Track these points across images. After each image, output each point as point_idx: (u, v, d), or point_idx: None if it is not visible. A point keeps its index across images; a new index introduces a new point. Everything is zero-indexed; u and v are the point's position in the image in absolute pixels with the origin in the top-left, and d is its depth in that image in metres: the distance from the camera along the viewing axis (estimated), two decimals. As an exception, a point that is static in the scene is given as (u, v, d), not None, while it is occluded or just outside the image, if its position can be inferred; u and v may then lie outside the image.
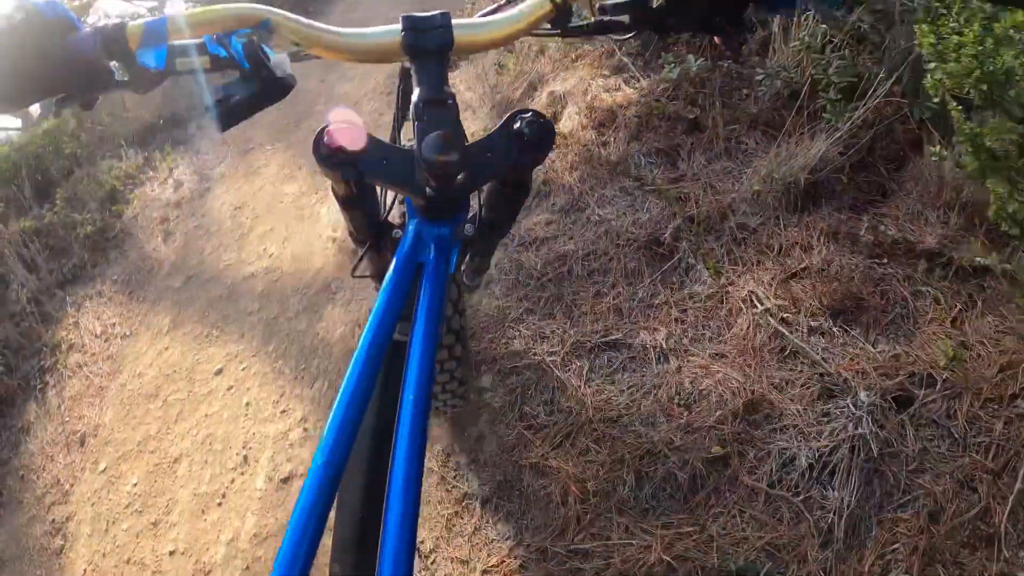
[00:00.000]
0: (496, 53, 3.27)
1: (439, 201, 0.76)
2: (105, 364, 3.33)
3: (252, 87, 0.73)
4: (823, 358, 1.68)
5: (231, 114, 0.73)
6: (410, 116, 0.74)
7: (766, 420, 1.64)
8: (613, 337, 1.95)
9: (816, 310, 1.77)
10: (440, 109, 0.72)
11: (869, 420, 1.51)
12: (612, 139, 2.44)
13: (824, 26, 2.24)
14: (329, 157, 0.72)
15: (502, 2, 0.89)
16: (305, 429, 2.37)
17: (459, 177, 0.71)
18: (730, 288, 1.92)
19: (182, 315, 3.29)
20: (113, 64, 0.71)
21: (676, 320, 1.92)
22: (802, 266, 1.88)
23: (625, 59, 2.66)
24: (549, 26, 0.83)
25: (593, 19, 0.83)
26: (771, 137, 2.23)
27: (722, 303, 1.90)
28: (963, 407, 1.50)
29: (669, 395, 1.77)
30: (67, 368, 3.44)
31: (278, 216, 3.51)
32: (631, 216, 2.19)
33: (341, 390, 0.68)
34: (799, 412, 1.61)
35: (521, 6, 0.80)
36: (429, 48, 0.75)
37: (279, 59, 0.75)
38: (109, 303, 3.72)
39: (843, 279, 1.80)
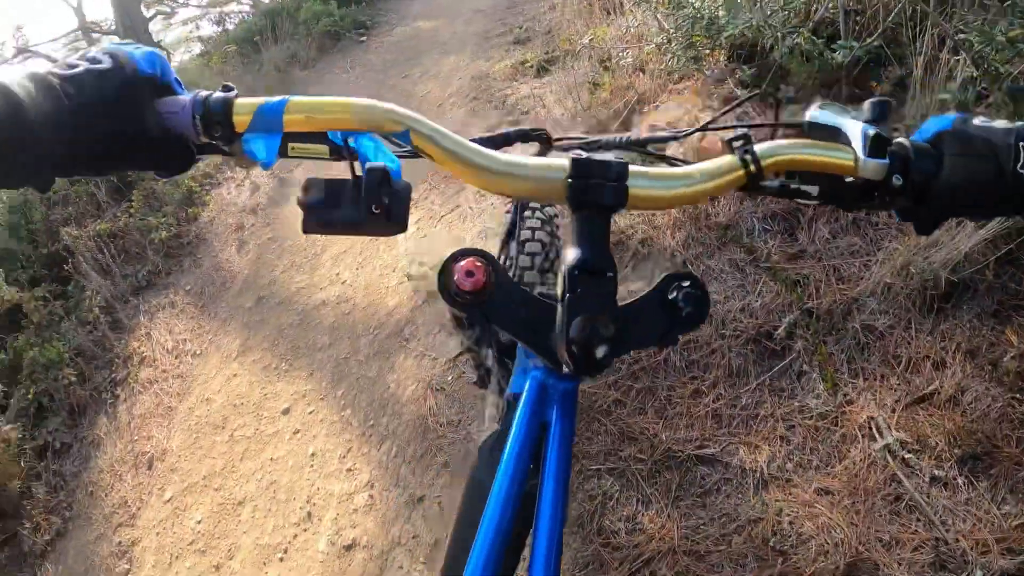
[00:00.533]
0: (589, 66, 3.17)
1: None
2: (175, 383, 3.48)
3: (359, 211, 0.65)
4: (942, 520, 1.56)
5: (321, 225, 0.67)
6: (560, 276, 0.66)
7: (875, 586, 1.55)
8: (709, 451, 1.87)
9: (942, 452, 1.65)
10: (597, 282, 0.65)
11: None
12: (722, 195, 2.31)
13: (975, 70, 2.04)
14: (455, 295, 0.67)
15: (681, 131, 0.87)
16: (371, 496, 2.40)
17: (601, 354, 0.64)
18: (847, 408, 1.80)
19: (251, 339, 3.39)
20: (209, 141, 0.65)
21: (781, 439, 1.82)
22: (931, 388, 1.74)
23: (738, 92, 2.50)
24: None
25: (779, 183, 0.74)
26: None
27: (836, 425, 1.79)
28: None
29: (764, 535, 1.68)
30: (138, 383, 3.61)
31: (352, 236, 3.51)
32: (740, 300, 2.08)
33: (476, 548, 0.69)
34: (908, 582, 1.51)
35: (709, 166, 0.70)
36: (597, 204, 0.66)
37: (402, 188, 0.66)
38: (181, 315, 3.88)
39: (977, 415, 1.66)
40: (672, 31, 2.73)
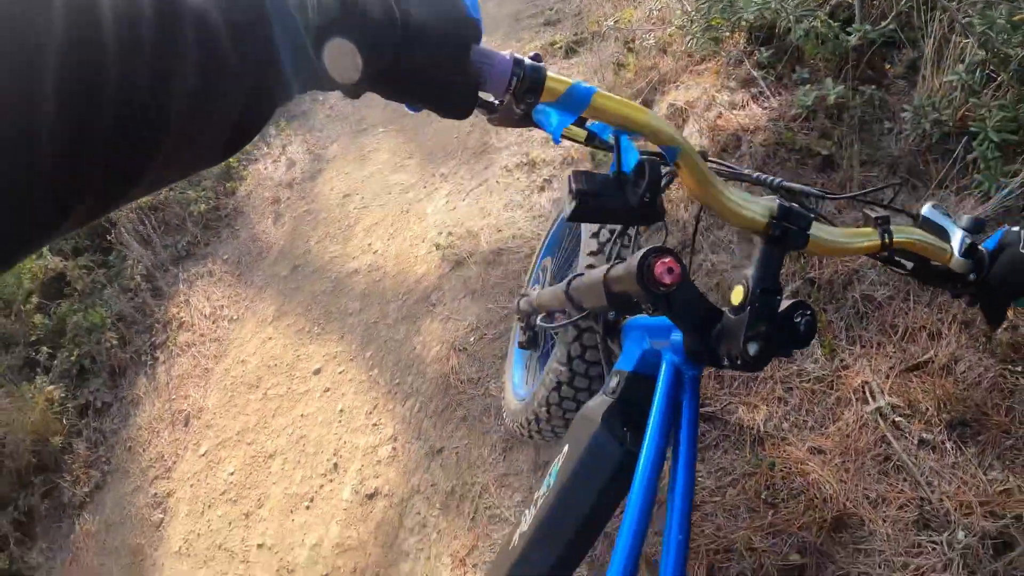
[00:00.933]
0: (615, 48, 3.24)
1: (715, 354, 0.84)
2: (212, 346, 3.62)
3: (632, 200, 0.74)
4: (928, 481, 1.63)
5: (586, 214, 0.74)
6: (742, 288, 0.80)
7: (853, 538, 1.62)
8: (709, 409, 1.96)
9: (932, 418, 1.71)
10: (770, 300, 0.79)
11: (960, 565, 1.47)
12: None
13: (984, 53, 2.09)
14: (652, 285, 0.78)
15: (829, 192, 1.01)
16: (394, 448, 2.52)
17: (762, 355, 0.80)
18: (843, 373, 1.87)
19: (286, 305, 3.51)
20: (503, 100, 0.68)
21: (779, 400, 1.90)
22: (926, 357, 1.81)
23: (755, 73, 2.57)
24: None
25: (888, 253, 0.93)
26: (912, 188, 2.13)
27: (832, 388, 1.86)
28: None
29: (757, 488, 1.77)
30: (176, 346, 3.76)
31: (385, 208, 3.64)
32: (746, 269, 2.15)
33: (628, 518, 0.82)
34: (889, 537, 1.58)
35: (858, 232, 0.87)
36: (785, 241, 0.81)
37: (662, 183, 0.78)
38: (219, 283, 4.01)
39: (969, 383, 1.72)
40: (693, 13, 2.79)
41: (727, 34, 2.74)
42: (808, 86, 2.36)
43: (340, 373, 2.94)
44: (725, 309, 0.83)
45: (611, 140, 0.77)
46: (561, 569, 0.90)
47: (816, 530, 1.65)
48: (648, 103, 2.82)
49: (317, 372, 3.03)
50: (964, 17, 2.08)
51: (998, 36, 2.03)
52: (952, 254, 0.91)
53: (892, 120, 2.27)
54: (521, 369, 2.14)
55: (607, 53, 3.24)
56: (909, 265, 0.96)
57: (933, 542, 1.55)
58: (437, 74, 0.61)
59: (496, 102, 0.70)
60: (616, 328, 1.18)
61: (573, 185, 0.72)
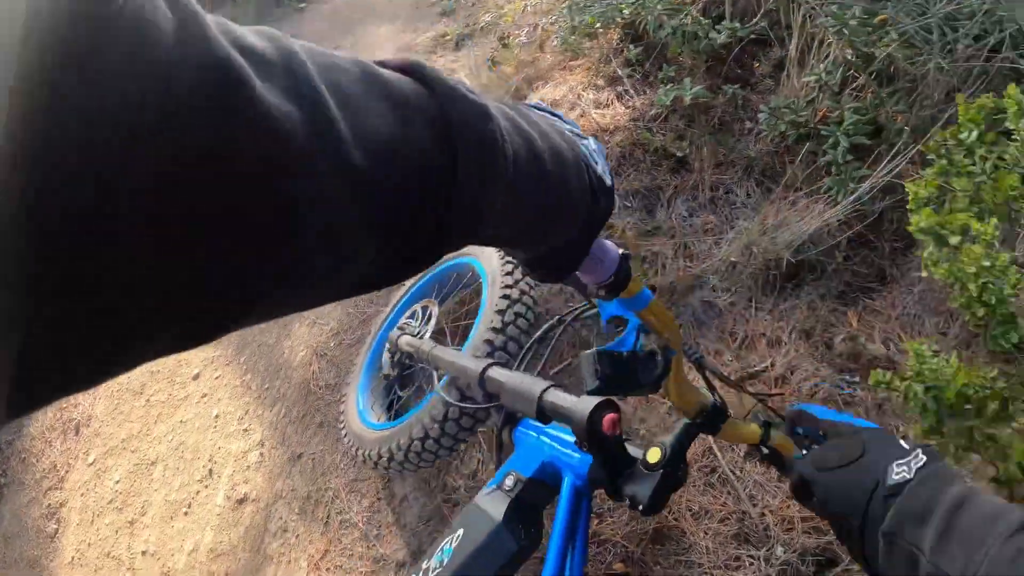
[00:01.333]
0: (492, 47, 3.16)
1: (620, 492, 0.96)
2: (103, 352, 3.52)
3: (652, 382, 0.85)
4: (751, 494, 1.59)
5: (604, 390, 0.82)
6: (660, 450, 0.92)
7: (675, 549, 1.58)
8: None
9: (761, 429, 1.67)
10: (676, 465, 0.92)
11: None
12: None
13: (851, 53, 2.03)
14: (594, 430, 0.88)
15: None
16: (261, 454, 2.48)
17: None
18: (677, 381, 1.82)
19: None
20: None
21: (616, 409, 1.85)
22: (762, 366, 1.76)
23: (620, 71, 2.50)
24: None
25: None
26: (767, 190, 2.08)
27: (664, 399, 1.81)
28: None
29: (587, 500, 1.72)
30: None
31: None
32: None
33: None
34: (709, 550, 1.54)
35: (751, 425, 1.04)
36: (705, 427, 0.97)
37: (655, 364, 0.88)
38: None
39: (803, 392, 1.68)
40: (564, 10, 2.71)
41: (601, 30, 2.66)
42: (669, 85, 2.29)
43: (217, 378, 2.87)
44: (638, 459, 0.94)
45: (621, 319, 0.89)
46: None
47: (638, 541, 1.62)
48: (520, 99, 2.74)
49: (196, 377, 2.96)
50: (822, 16, 2.02)
51: (850, 35, 1.97)
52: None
53: (753, 120, 2.22)
54: (367, 392, 2.10)
55: (488, 48, 3.16)
56: (766, 451, 1.12)
57: (752, 556, 1.52)
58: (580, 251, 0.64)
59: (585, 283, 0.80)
60: (515, 423, 1.25)
61: (597, 368, 0.81)
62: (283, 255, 0.31)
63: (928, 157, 1.12)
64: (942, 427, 0.85)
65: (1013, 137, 0.96)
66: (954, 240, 0.87)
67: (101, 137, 0.23)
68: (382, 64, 0.38)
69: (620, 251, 0.77)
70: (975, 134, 1.00)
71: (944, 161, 1.06)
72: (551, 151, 0.47)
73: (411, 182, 0.36)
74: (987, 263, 0.76)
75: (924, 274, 0.91)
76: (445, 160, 0.37)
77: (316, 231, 0.32)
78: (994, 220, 0.82)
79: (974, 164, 1.00)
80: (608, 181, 0.57)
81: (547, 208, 0.50)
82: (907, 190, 1.00)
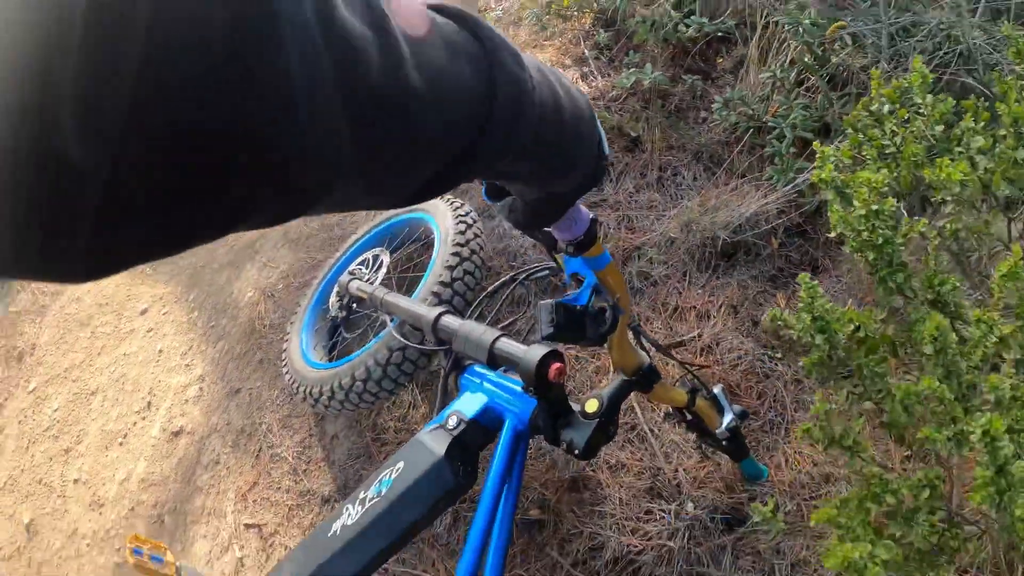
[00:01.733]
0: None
1: (557, 437, 1.07)
2: (52, 283, 3.46)
3: (598, 336, 0.95)
4: (666, 452, 1.64)
5: (556, 337, 0.90)
6: (597, 401, 1.08)
7: (590, 499, 1.63)
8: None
9: (682, 391, 1.72)
10: (612, 416, 1.09)
11: (686, 536, 1.48)
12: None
13: (807, 59, 2.10)
14: (541, 377, 0.99)
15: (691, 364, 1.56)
16: (201, 388, 2.48)
17: None
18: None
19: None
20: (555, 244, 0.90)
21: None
22: (690, 336, 1.82)
23: (587, 53, 2.54)
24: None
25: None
26: (713, 175, 2.14)
27: (594, 358, 1.86)
28: (796, 547, 1.43)
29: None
30: (17, 283, 3.58)
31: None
32: (528, 238, 2.13)
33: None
34: (622, 501, 1.58)
35: (681, 390, 1.31)
36: (639, 384, 1.16)
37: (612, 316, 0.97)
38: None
39: (726, 364, 1.73)
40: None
41: (575, 13, 2.70)
42: (632, 69, 2.34)
43: (164, 314, 2.85)
44: (577, 409, 1.06)
45: (579, 277, 0.97)
46: (384, 556, 1.04)
47: (557, 488, 1.66)
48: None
49: (143, 312, 2.94)
50: (780, 16, 2.08)
51: (804, 35, 2.04)
52: (721, 426, 1.34)
53: (709, 111, 2.28)
54: (311, 333, 2.11)
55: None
56: (690, 418, 1.36)
57: (663, 510, 1.56)
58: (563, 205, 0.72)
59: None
60: (461, 369, 1.29)
61: (554, 316, 0.89)
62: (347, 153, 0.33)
63: (845, 130, 1.17)
64: (832, 362, 0.90)
65: (920, 111, 1.02)
66: (858, 199, 0.92)
67: (219, 18, 0.24)
68: (438, 9, 0.42)
69: (591, 215, 0.85)
70: (886, 107, 1.06)
71: (859, 135, 1.12)
72: (571, 108, 0.52)
73: (456, 111, 0.40)
74: (875, 207, 0.81)
75: (833, 234, 0.96)
76: (485, 95, 0.42)
77: (379, 138, 0.35)
78: (885, 170, 0.88)
79: (884, 137, 1.06)
80: (606, 149, 0.61)
81: (562, 155, 0.54)
82: (816, 150, 1.05)
